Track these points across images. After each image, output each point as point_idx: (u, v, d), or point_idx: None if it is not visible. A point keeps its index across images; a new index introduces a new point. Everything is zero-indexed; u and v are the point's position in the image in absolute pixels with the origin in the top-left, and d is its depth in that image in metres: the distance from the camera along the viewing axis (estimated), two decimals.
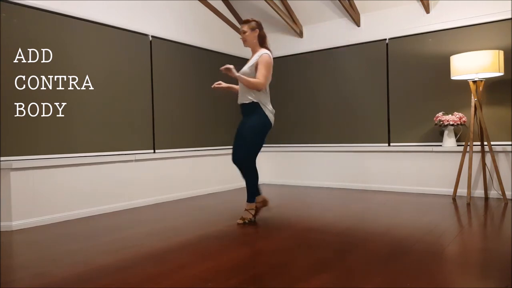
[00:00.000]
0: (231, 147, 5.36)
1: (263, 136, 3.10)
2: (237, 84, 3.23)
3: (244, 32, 3.12)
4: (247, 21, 3.14)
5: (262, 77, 2.99)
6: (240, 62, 5.82)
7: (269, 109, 3.10)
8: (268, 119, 3.08)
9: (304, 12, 5.29)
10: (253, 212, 3.16)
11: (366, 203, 3.92)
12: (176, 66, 4.70)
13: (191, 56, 4.89)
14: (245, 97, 3.08)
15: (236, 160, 3.11)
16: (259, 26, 3.13)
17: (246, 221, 3.13)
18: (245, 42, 3.14)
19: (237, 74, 2.98)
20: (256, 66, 3.04)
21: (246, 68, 3.10)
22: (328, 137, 5.24)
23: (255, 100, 3.04)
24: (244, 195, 4.64)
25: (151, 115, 4.39)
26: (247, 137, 3.04)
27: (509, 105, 4.05)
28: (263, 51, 3.08)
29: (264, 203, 3.23)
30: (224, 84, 3.17)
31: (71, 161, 3.53)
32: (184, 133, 4.78)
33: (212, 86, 3.18)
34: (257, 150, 3.11)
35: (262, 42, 3.15)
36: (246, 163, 3.08)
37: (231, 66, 2.96)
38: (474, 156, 4.12)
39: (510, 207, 3.54)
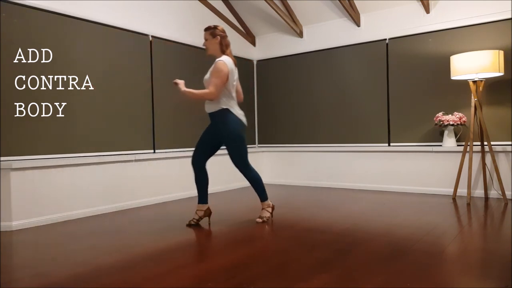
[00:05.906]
0: None
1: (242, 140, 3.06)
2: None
3: (206, 40, 3.05)
4: (208, 28, 3.05)
5: (211, 86, 2.89)
6: (240, 62, 5.83)
7: (238, 113, 3.04)
8: (242, 122, 3.04)
9: (304, 12, 5.29)
10: (270, 210, 3.23)
11: (366, 203, 3.92)
12: (176, 66, 4.70)
13: (191, 56, 4.89)
14: (210, 106, 3.01)
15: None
16: (220, 32, 3.03)
17: (265, 219, 3.17)
18: (207, 50, 3.07)
19: (183, 89, 2.88)
20: None
21: (206, 75, 3.03)
22: (328, 137, 5.24)
23: (224, 107, 2.97)
24: (244, 196, 4.67)
25: (151, 115, 4.39)
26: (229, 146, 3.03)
27: (509, 105, 4.05)
28: (218, 58, 2.99)
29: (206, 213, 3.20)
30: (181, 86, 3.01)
31: (71, 161, 3.53)
32: (184, 133, 4.78)
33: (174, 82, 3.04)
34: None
35: (224, 49, 3.04)
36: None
37: (179, 81, 2.86)
38: (474, 156, 4.12)
39: (510, 207, 3.54)
